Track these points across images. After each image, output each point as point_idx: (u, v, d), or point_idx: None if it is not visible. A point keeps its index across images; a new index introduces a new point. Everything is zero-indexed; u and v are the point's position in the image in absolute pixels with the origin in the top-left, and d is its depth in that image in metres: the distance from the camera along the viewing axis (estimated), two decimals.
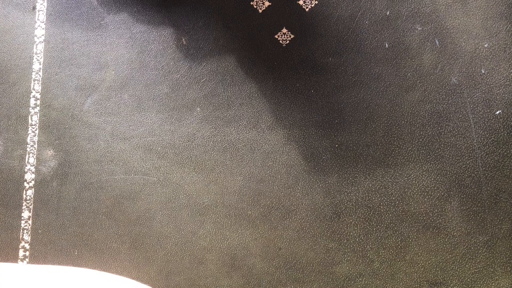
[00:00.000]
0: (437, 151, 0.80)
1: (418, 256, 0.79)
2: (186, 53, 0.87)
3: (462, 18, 0.81)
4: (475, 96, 0.80)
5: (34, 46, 0.90)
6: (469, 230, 0.78)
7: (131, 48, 0.88)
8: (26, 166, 0.88)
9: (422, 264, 0.79)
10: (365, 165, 0.81)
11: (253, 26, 0.86)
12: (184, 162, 0.85)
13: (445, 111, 0.80)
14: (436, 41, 0.81)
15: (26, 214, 0.87)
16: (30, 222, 0.87)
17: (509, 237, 0.77)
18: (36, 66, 0.90)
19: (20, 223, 0.87)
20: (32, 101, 0.89)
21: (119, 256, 0.85)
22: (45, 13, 0.91)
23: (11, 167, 0.88)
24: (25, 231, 0.87)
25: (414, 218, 0.80)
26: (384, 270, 0.80)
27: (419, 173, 0.80)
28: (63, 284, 0.65)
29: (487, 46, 0.80)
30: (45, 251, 0.87)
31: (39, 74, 0.89)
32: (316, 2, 0.85)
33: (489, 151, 0.79)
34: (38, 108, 0.89)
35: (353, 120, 0.82)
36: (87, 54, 0.89)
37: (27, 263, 0.87)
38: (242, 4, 0.87)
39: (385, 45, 0.82)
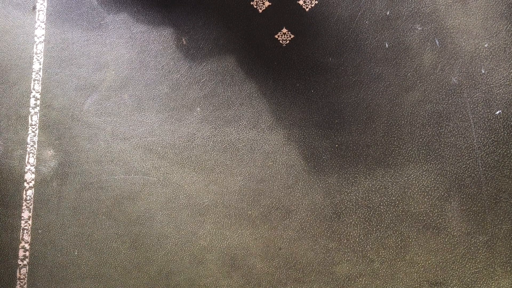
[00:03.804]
0: (437, 151, 0.80)
1: (418, 256, 0.79)
2: (186, 53, 0.87)
3: (462, 18, 0.81)
4: (475, 96, 0.80)
5: (34, 46, 0.90)
6: (469, 230, 0.78)
7: (131, 48, 0.88)
8: (26, 166, 0.88)
9: (422, 264, 0.79)
10: (365, 165, 0.81)
11: (253, 26, 0.86)
12: (184, 162, 0.85)
13: (445, 111, 0.80)
14: (436, 41, 0.81)
15: (26, 214, 0.87)
16: (30, 222, 0.87)
17: (509, 237, 0.77)
18: (36, 66, 0.90)
19: (20, 223, 0.87)
20: (32, 101, 0.89)
21: (119, 256, 0.85)
22: (45, 13, 0.91)
23: (11, 167, 0.88)
24: (25, 231, 0.87)
25: (414, 218, 0.80)
26: (384, 270, 0.80)
27: (419, 173, 0.80)
28: None
29: (487, 46, 0.80)
30: (45, 251, 0.86)
31: (39, 74, 0.89)
32: (316, 2, 0.85)
33: (489, 151, 0.79)
34: (38, 108, 0.89)
35: (353, 120, 0.82)
36: (87, 54, 0.89)
37: (27, 263, 0.87)
38: (242, 4, 0.87)
39: (385, 45, 0.82)
